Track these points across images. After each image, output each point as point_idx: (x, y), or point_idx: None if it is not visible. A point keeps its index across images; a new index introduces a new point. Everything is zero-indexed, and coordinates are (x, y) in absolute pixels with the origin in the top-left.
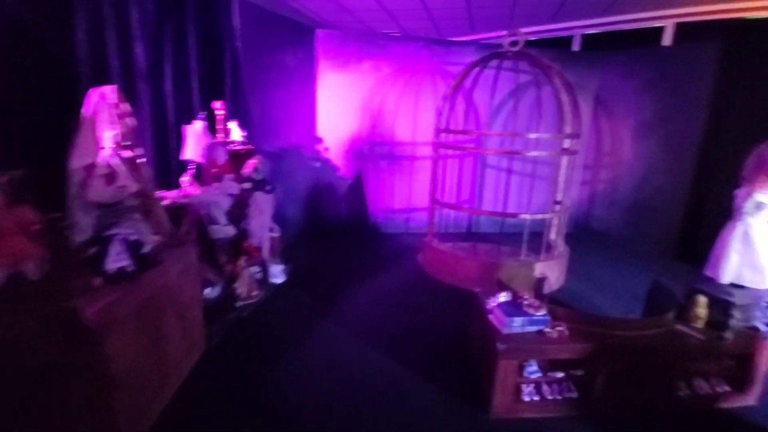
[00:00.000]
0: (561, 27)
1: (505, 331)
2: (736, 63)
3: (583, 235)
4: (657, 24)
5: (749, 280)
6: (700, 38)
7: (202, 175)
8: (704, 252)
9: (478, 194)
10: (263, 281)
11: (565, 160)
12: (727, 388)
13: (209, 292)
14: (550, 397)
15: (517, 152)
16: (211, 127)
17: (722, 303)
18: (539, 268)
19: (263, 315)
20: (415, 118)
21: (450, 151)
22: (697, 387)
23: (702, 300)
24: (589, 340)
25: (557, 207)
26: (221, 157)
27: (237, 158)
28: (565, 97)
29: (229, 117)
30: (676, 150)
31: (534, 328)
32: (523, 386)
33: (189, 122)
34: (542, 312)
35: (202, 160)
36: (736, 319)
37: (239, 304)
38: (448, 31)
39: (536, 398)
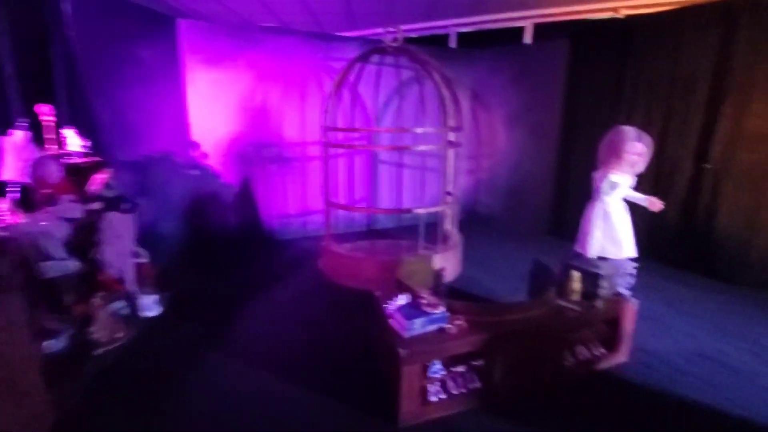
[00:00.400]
0: (438, 25)
1: (407, 334)
2: (581, 59)
3: (471, 220)
4: (518, 24)
5: (611, 252)
6: (553, 37)
7: (29, 199)
8: (571, 226)
9: (374, 191)
10: (131, 318)
11: (451, 153)
12: (603, 351)
13: (52, 344)
14: (455, 392)
15: (405, 147)
16: (38, 138)
17: (592, 275)
18: (437, 260)
19: (134, 359)
20: (302, 116)
21: (340, 150)
22: (578, 354)
23: (575, 275)
24: (484, 330)
25: (449, 198)
26: (54, 174)
27: (78, 174)
28: (445, 92)
29: (63, 123)
30: (541, 138)
31: (434, 327)
32: (429, 386)
33: (4, 133)
34: (440, 309)
35: (28, 179)
36: (604, 288)
37: (99, 351)
38: (331, 25)
39: (443, 396)
